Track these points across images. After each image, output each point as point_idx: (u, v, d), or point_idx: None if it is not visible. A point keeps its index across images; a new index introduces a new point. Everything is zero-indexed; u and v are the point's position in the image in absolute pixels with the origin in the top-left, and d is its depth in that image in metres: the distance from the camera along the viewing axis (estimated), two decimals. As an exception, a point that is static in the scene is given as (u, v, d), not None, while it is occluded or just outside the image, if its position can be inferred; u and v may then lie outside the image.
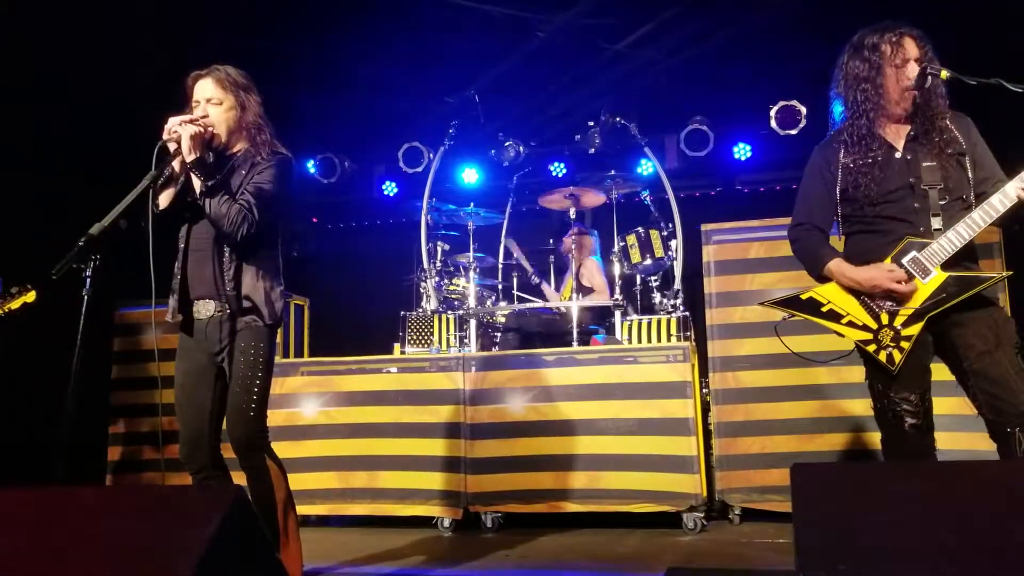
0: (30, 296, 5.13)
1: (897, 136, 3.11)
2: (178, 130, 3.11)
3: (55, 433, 2.63)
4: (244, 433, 3.26)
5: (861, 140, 3.09)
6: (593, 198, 6.67)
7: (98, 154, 6.61)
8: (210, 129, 3.20)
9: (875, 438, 4.20)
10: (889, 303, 2.99)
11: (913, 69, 3.01)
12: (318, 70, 7.31)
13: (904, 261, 2.98)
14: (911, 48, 3.03)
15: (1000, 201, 2.88)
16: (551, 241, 7.11)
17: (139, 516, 2.03)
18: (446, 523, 5.24)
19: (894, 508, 1.90)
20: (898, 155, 3.07)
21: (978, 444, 4.07)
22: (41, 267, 2.87)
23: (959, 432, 4.09)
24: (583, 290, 6.59)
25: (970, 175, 3.03)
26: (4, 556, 1.98)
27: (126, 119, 6.13)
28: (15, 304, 5.08)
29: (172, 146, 3.13)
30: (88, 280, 2.70)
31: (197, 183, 3.18)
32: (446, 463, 5.29)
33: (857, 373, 3.97)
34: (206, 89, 3.26)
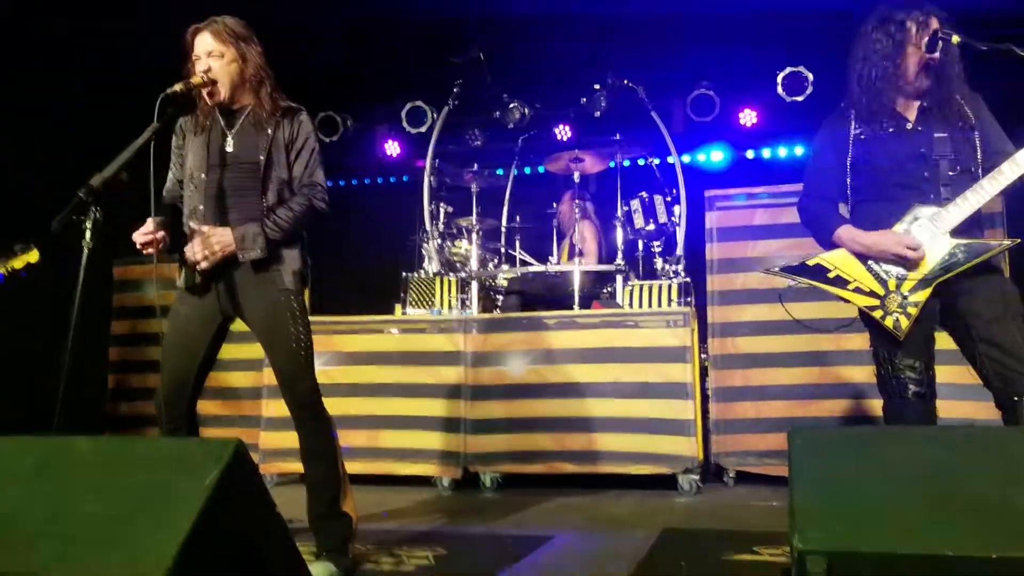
0: (33, 256, 5.06)
1: (909, 107, 3.09)
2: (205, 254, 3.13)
3: (53, 388, 2.63)
4: (309, 387, 3.26)
5: (874, 112, 3.08)
6: (598, 162, 6.64)
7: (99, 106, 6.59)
8: (217, 252, 3.14)
9: (874, 405, 4.22)
10: (897, 269, 2.99)
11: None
12: (320, 25, 7.22)
13: (913, 227, 2.97)
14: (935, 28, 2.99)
15: (1010, 168, 2.86)
16: (554, 204, 7.07)
17: (139, 467, 2.04)
18: (445, 482, 5.28)
19: (891, 472, 1.91)
20: (909, 126, 3.06)
21: (978, 413, 4.10)
22: (41, 220, 2.85)
23: (958, 401, 4.10)
24: (575, 253, 6.57)
25: (978, 149, 3.02)
26: (2, 505, 1.99)
27: (126, 71, 6.11)
28: (18, 263, 5.02)
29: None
30: (88, 232, 2.69)
31: (253, 254, 3.16)
32: (446, 423, 5.32)
33: (858, 340, 3.98)
34: (206, 43, 3.19)
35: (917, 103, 3.09)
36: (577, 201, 6.46)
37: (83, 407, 6.47)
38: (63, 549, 1.86)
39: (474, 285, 6.29)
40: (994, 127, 3.08)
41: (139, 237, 3.12)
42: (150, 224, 3.12)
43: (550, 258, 6.64)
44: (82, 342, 2.69)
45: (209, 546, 1.88)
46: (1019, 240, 2.99)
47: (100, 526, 1.90)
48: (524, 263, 6.69)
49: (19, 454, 2.12)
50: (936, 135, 3.01)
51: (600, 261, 6.50)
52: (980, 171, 2.98)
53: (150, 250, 3.13)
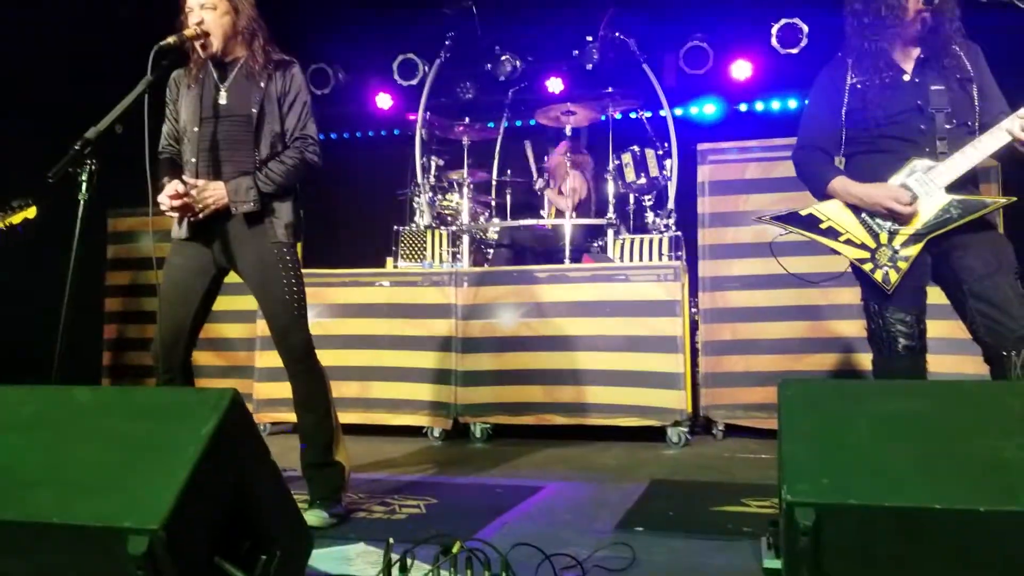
0: (31, 212, 5.09)
1: (906, 59, 3.07)
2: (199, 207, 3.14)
3: (51, 338, 2.63)
4: (302, 338, 3.28)
5: (871, 61, 3.05)
6: (589, 115, 6.61)
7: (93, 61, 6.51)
8: (211, 205, 3.15)
9: (864, 359, 4.27)
10: (889, 223, 2.99)
11: None
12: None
13: (908, 181, 2.97)
14: None
15: (1011, 123, 2.84)
16: (545, 158, 7.06)
17: (136, 416, 2.05)
18: (436, 433, 5.33)
19: (881, 426, 1.93)
20: (906, 77, 3.04)
21: (965, 367, 4.15)
22: (37, 173, 2.83)
23: (947, 355, 4.14)
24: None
25: (976, 102, 3.01)
26: (1, 453, 2.01)
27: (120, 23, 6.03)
28: (16, 219, 5.04)
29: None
30: (84, 184, 2.68)
31: (246, 206, 3.16)
32: (437, 375, 5.35)
33: (848, 294, 4.00)
34: None
35: (915, 54, 3.06)
36: (569, 153, 6.44)
37: (80, 357, 6.51)
38: (61, 496, 1.88)
39: (465, 238, 6.29)
40: (991, 82, 3.07)
41: (168, 200, 3.10)
42: (179, 186, 3.11)
43: (549, 194, 6.61)
44: (79, 293, 2.69)
45: (205, 494, 1.90)
46: (1015, 198, 2.99)
47: (98, 474, 1.92)
48: (515, 215, 6.66)
49: (18, 403, 2.13)
50: (933, 87, 2.99)
51: (588, 214, 6.50)
52: (977, 125, 2.98)
53: (176, 214, 3.15)
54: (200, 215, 3.15)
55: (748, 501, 3.47)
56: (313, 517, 3.12)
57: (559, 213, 6.48)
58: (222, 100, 3.23)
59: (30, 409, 2.10)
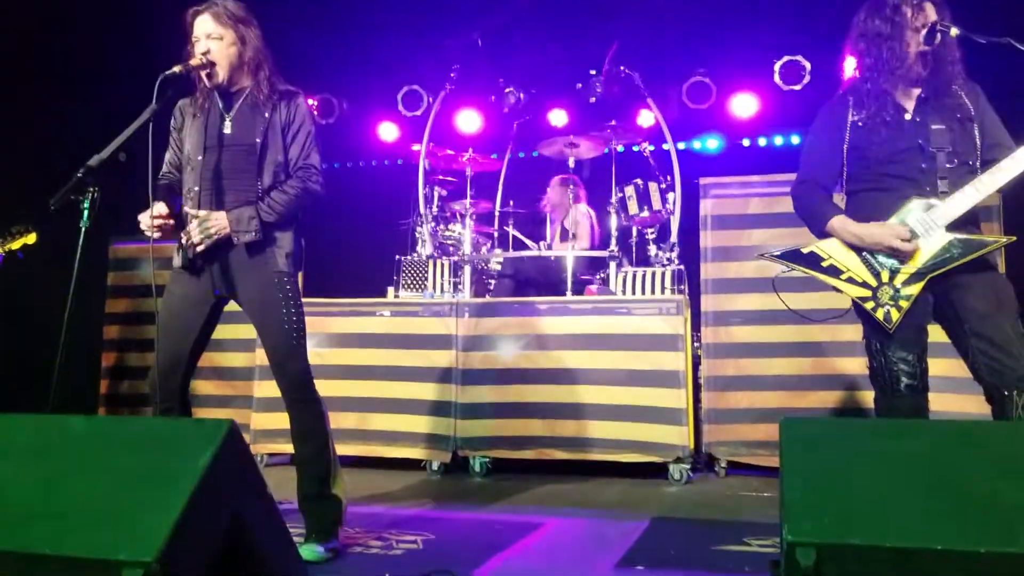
0: (31, 238, 5.11)
1: (907, 98, 3.09)
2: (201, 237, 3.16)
3: (49, 366, 2.63)
4: (300, 368, 3.28)
5: (872, 99, 3.07)
6: (592, 148, 6.63)
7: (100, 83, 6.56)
8: (213, 235, 3.17)
9: (867, 397, 4.24)
10: (891, 261, 2.99)
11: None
12: (317, 8, 7.20)
13: (909, 220, 2.97)
14: (930, 12, 3.00)
15: (1010, 164, 2.86)
16: (548, 190, 7.08)
17: (133, 447, 2.04)
18: (435, 466, 5.29)
19: (882, 465, 1.92)
20: (908, 116, 3.06)
21: (967, 407, 4.12)
22: (39, 200, 2.85)
23: (949, 394, 4.12)
24: (568, 237, 6.56)
25: (977, 141, 3.03)
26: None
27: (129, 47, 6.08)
28: (15, 245, 5.07)
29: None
30: (86, 212, 2.69)
31: (247, 236, 3.17)
32: (436, 407, 5.32)
33: (851, 331, 3.98)
34: (205, 25, 3.20)
35: (916, 93, 3.09)
36: (571, 186, 6.46)
37: (78, 385, 6.49)
38: (55, 527, 1.87)
39: (467, 269, 6.29)
40: (993, 119, 3.09)
41: (148, 220, 3.10)
42: (163, 208, 3.12)
43: (542, 243, 6.63)
44: (78, 320, 2.69)
45: (201, 526, 1.89)
46: (1015, 238, 2.99)
47: (93, 505, 1.90)
48: (517, 246, 6.68)
49: (14, 431, 2.12)
50: (934, 126, 3.01)
51: (593, 246, 6.51)
52: (978, 164, 2.99)
53: (157, 234, 3.14)
54: (201, 245, 3.15)
55: (750, 540, 3.43)
56: (308, 552, 3.09)
57: (562, 241, 6.48)
58: (227, 129, 3.25)
59: (25, 438, 2.09)
